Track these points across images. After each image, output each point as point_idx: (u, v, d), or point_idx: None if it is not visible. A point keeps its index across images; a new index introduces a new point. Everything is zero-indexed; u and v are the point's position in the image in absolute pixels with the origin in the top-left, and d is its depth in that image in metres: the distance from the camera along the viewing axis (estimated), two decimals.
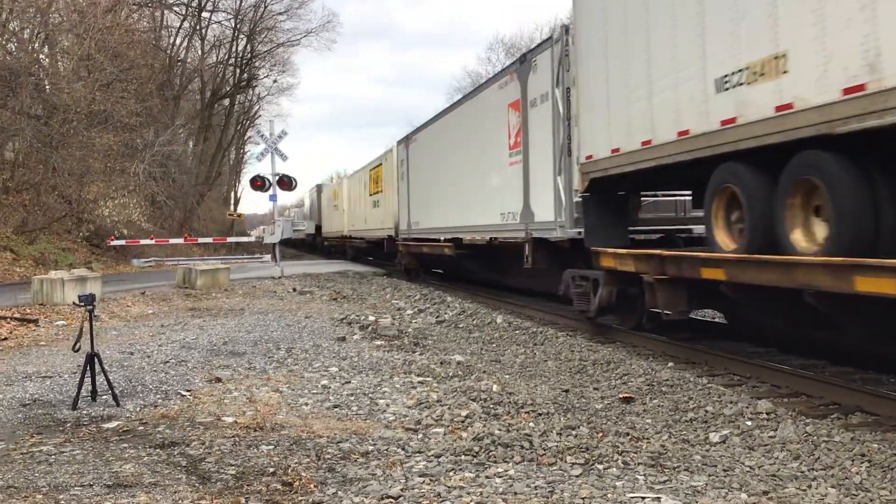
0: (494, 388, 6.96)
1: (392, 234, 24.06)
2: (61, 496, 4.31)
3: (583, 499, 4.19)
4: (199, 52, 46.74)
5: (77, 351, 6.93)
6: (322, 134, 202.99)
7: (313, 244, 51.32)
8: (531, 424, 5.74)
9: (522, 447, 5.12)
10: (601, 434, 5.52)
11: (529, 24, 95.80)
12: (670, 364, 8.44)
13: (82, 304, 6.66)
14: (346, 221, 35.17)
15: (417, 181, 21.18)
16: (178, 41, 43.69)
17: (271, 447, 5.21)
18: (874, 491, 4.42)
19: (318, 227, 47.17)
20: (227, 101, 51.22)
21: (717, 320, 11.32)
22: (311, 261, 36.50)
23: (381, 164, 26.46)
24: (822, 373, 7.62)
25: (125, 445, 5.32)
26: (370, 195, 28.60)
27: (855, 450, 5.16)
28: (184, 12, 42.77)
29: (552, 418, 5.96)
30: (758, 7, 6.62)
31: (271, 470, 4.72)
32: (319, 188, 46.99)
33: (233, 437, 5.47)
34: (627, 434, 5.52)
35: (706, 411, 6.30)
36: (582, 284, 10.57)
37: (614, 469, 4.74)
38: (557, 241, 11.62)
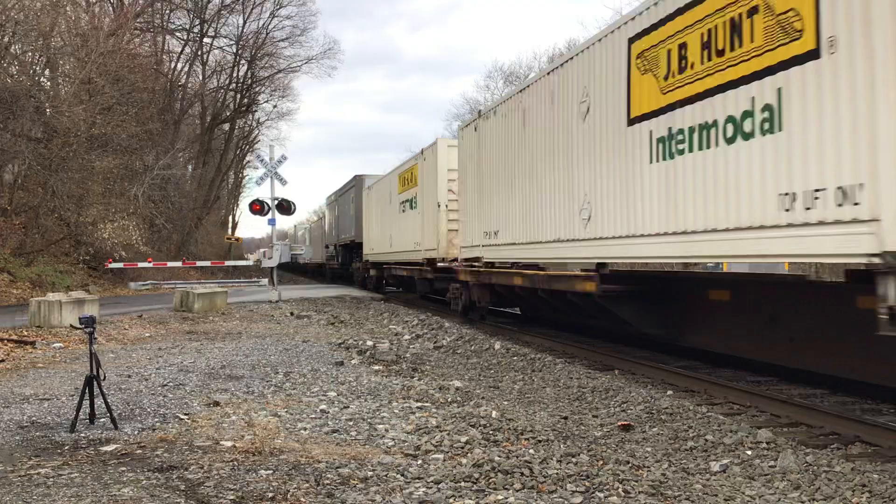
0: (493, 414, 6.94)
1: None
2: None
3: None
4: (200, 77, 47.08)
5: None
6: (320, 158, 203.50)
7: (343, 273, 34.97)
8: (531, 451, 5.72)
9: (523, 474, 5.10)
10: (601, 462, 5.51)
11: (528, 52, 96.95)
12: (669, 392, 8.44)
13: (83, 325, 6.65)
14: (435, 231, 18.42)
15: None
16: (179, 66, 44.01)
17: (270, 472, 5.19)
18: None
19: (353, 246, 31.29)
20: (226, 126, 51.42)
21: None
22: (307, 285, 36.40)
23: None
24: (821, 402, 7.62)
25: (123, 469, 5.29)
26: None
27: (855, 480, 5.15)
28: (186, 38, 43.17)
29: (552, 445, 5.95)
30: None
31: (270, 495, 4.70)
32: (359, 181, 30.05)
33: (231, 461, 5.45)
34: (628, 462, 5.51)
35: (706, 440, 6.30)
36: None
37: (615, 497, 4.72)
38: None
